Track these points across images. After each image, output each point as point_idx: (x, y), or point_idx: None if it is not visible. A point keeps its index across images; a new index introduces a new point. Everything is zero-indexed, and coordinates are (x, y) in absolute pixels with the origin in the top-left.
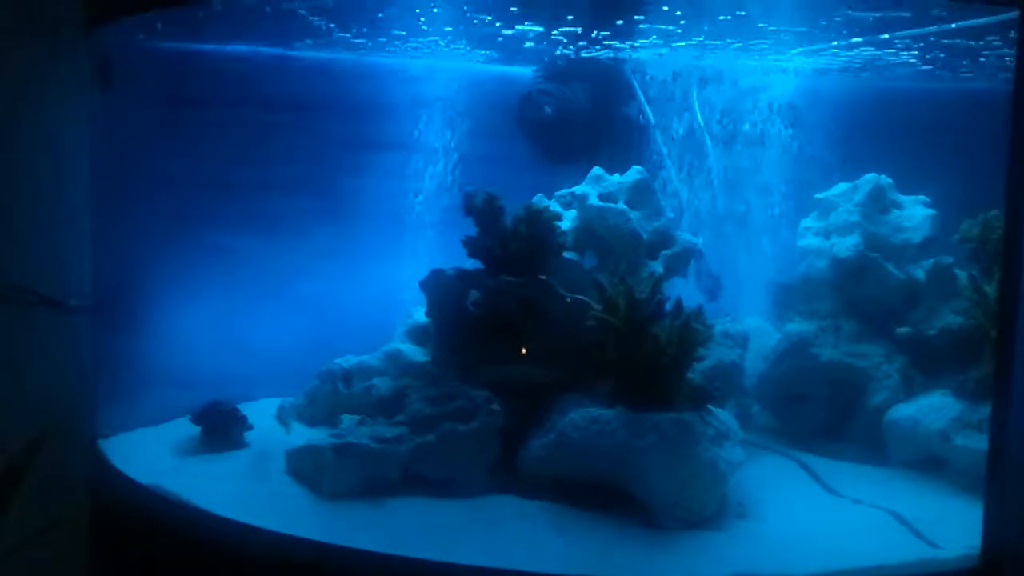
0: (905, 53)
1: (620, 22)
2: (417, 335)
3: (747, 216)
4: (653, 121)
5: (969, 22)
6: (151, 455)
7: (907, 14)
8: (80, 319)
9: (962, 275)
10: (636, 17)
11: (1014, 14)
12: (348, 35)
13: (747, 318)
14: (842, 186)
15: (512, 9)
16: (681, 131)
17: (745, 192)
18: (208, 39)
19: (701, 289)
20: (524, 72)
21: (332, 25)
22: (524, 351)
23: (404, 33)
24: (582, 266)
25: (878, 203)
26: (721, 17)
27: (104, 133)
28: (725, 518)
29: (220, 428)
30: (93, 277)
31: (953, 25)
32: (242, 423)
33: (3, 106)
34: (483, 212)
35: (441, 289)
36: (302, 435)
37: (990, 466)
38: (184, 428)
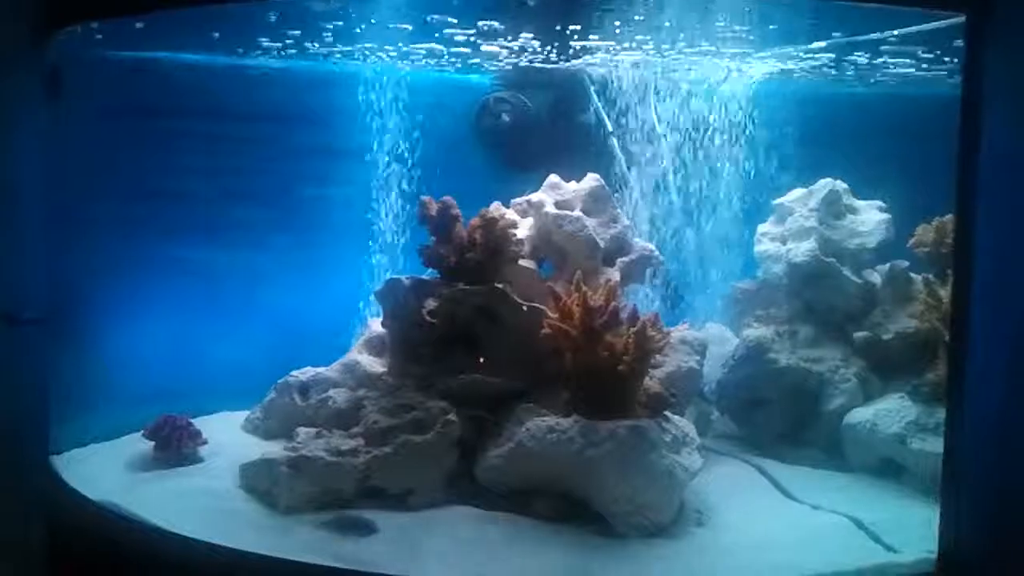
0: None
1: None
2: (375, 346)
3: (705, 222)
4: (610, 129)
5: (914, 28)
6: (104, 471)
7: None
8: (33, 333)
9: (917, 279)
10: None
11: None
12: (315, 45)
13: (707, 324)
14: (798, 191)
15: (480, 23)
16: (639, 138)
17: (702, 199)
18: (161, 48)
19: (659, 296)
20: (482, 81)
21: (295, 32)
22: (481, 360)
23: (361, 41)
24: (539, 274)
25: (833, 208)
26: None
27: (56, 144)
28: (683, 526)
29: (173, 443)
30: (46, 290)
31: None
32: (196, 437)
33: None
34: (438, 220)
35: (397, 298)
36: (258, 448)
37: (945, 469)
38: (138, 443)
